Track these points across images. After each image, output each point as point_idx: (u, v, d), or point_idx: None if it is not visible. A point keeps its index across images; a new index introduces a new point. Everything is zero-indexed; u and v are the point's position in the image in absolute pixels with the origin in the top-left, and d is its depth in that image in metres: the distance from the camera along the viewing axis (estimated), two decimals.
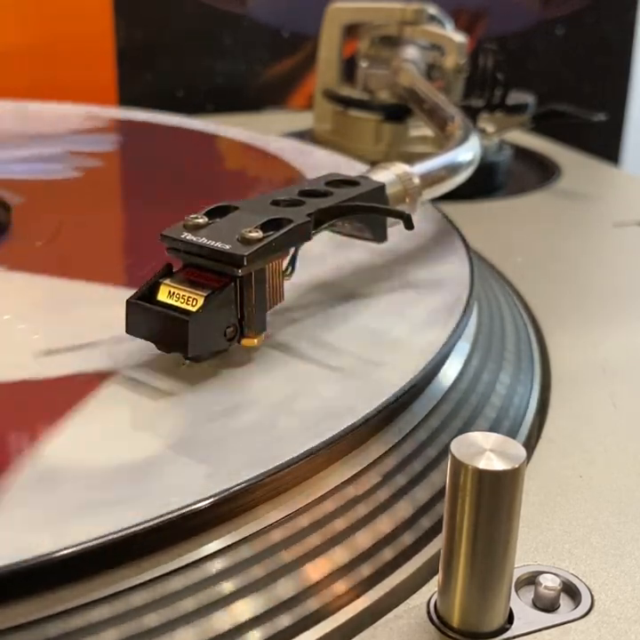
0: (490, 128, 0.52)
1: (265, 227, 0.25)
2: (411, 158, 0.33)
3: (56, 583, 0.18)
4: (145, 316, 0.24)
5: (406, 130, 0.53)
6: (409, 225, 0.27)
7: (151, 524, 0.19)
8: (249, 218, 0.25)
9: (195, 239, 0.24)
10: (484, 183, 0.52)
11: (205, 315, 0.23)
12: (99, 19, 0.69)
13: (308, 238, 0.26)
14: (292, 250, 0.26)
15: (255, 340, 0.25)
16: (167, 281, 0.24)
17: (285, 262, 0.26)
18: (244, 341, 0.25)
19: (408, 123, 0.53)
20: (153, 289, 0.24)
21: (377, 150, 0.53)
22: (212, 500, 0.19)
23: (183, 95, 0.74)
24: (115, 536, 0.18)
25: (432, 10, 0.54)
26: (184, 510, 0.19)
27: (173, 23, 0.72)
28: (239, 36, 0.74)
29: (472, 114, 0.50)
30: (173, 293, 0.24)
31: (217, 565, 0.20)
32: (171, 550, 0.19)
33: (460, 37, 0.53)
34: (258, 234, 0.24)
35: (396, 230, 0.29)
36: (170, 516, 0.19)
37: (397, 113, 0.52)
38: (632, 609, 0.21)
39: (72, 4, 0.68)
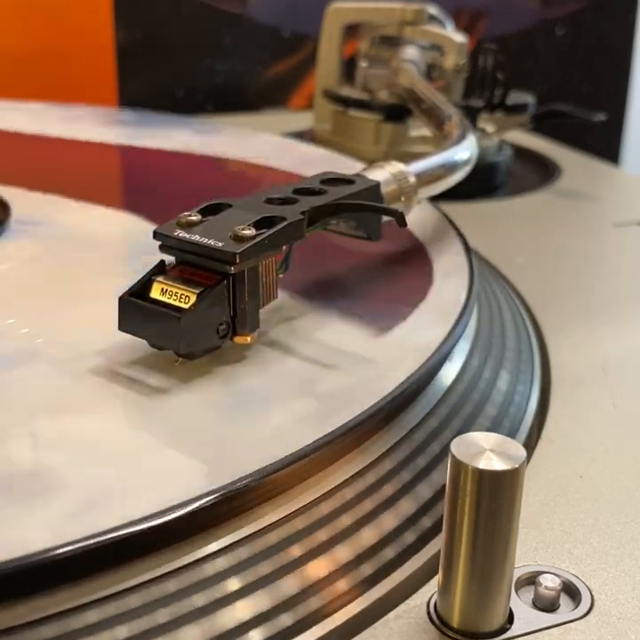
0: (490, 128, 0.52)
1: (258, 224, 0.25)
2: (411, 158, 0.33)
3: (54, 583, 0.18)
4: (137, 312, 0.24)
5: (406, 130, 0.53)
6: (402, 223, 0.27)
7: (149, 523, 0.19)
8: (242, 215, 0.25)
9: (188, 236, 0.24)
10: (484, 183, 0.52)
11: (198, 312, 0.24)
12: (99, 19, 0.69)
13: (302, 236, 0.26)
14: (286, 248, 0.26)
15: (248, 338, 0.25)
16: (160, 278, 0.24)
17: (279, 260, 0.26)
18: (237, 339, 0.25)
19: (408, 123, 0.53)
20: (146, 286, 0.24)
21: (377, 150, 0.52)
22: (211, 499, 0.19)
23: (183, 95, 0.74)
24: (112, 536, 0.18)
25: (432, 10, 0.54)
26: (182, 510, 0.19)
27: (173, 23, 0.72)
28: (239, 35, 0.74)
29: (472, 114, 0.50)
30: (166, 290, 0.24)
31: (216, 565, 0.20)
32: (170, 550, 0.19)
33: (460, 37, 0.53)
34: (251, 231, 0.24)
35: (394, 229, 0.29)
36: (168, 516, 0.19)
37: (397, 113, 0.52)
38: (632, 609, 0.21)
39: (72, 5, 0.68)
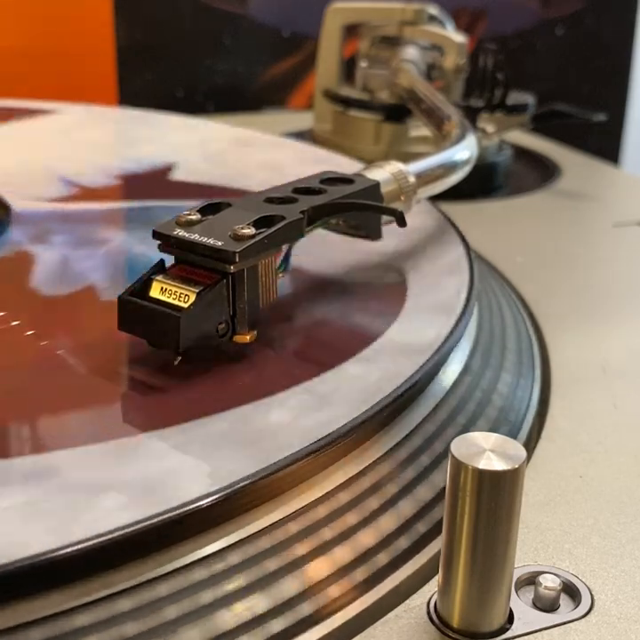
0: (490, 128, 0.52)
1: (258, 224, 0.25)
2: (411, 158, 0.33)
3: (54, 583, 0.18)
4: (137, 312, 0.24)
5: (406, 130, 0.53)
6: (402, 223, 0.27)
7: (149, 523, 0.19)
8: (242, 215, 0.26)
9: (187, 235, 0.25)
10: (484, 183, 0.52)
11: (197, 311, 0.24)
12: (99, 19, 0.69)
13: (302, 236, 0.26)
14: (286, 247, 0.26)
15: (247, 337, 0.25)
16: (159, 277, 0.24)
17: (279, 260, 0.26)
18: (237, 338, 0.25)
19: (408, 123, 0.53)
20: (145, 285, 0.24)
21: (377, 150, 0.52)
22: (211, 499, 0.19)
23: (183, 95, 0.74)
24: (111, 536, 0.18)
25: (432, 10, 0.54)
26: (182, 510, 0.19)
27: (173, 23, 0.72)
28: (239, 35, 0.74)
29: (472, 114, 0.50)
30: (165, 290, 0.24)
31: (216, 566, 0.20)
32: (170, 550, 0.19)
33: (460, 37, 0.53)
34: (250, 231, 0.24)
35: (395, 229, 0.29)
36: (168, 515, 0.19)
37: (397, 113, 0.52)
38: (632, 609, 0.21)
39: (72, 4, 0.68)
